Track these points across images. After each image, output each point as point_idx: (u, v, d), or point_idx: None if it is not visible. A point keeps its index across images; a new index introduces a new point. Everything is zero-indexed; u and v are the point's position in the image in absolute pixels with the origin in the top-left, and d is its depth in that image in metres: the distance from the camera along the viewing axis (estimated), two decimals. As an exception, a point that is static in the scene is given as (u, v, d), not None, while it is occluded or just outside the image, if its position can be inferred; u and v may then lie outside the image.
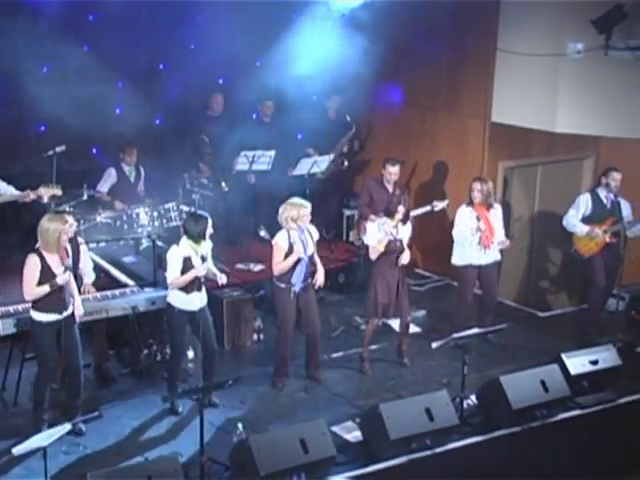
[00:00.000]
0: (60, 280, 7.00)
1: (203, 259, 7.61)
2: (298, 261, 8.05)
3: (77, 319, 7.36)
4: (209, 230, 7.64)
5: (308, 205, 8.10)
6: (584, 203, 9.42)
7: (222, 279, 7.78)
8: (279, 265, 8.07)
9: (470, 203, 9.07)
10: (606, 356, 8.41)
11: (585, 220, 9.39)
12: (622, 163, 10.68)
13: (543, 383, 7.82)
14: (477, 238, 8.99)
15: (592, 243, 9.37)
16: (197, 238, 7.59)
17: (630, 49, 8.96)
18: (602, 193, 9.40)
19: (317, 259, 8.34)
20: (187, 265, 7.58)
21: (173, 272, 7.59)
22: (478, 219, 8.98)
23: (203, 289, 7.76)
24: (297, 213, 8.01)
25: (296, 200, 8.21)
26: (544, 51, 9.47)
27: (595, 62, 9.22)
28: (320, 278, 8.31)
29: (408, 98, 11.34)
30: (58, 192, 8.75)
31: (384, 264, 8.45)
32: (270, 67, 10.77)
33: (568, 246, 9.74)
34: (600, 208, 9.38)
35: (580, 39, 9.19)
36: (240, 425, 7.11)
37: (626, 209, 9.39)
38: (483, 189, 9.00)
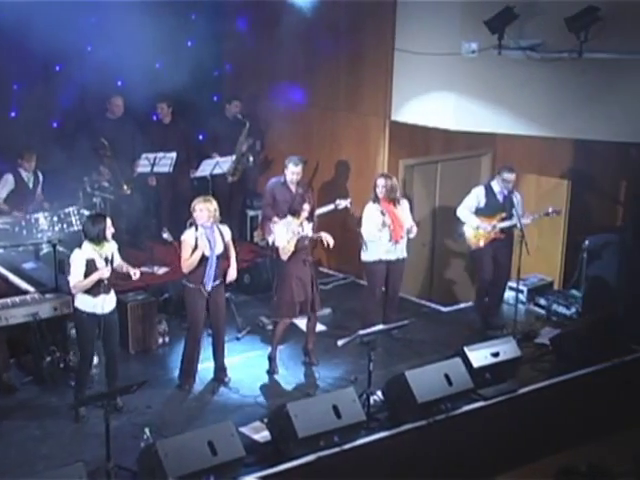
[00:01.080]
0: None
1: (107, 261, 7.52)
2: (204, 259, 8.04)
3: None
4: (109, 230, 7.55)
5: (210, 201, 8.11)
6: (478, 196, 9.65)
7: (136, 274, 7.74)
8: (186, 261, 8.06)
9: (376, 199, 9.17)
10: (507, 348, 8.61)
11: (478, 212, 9.63)
12: (517, 159, 11.03)
13: (447, 376, 7.96)
14: (387, 234, 9.11)
15: (480, 236, 9.62)
16: (97, 239, 7.49)
17: (522, 48, 9.19)
18: (496, 187, 9.64)
19: (233, 257, 8.33)
20: (91, 268, 7.47)
21: (76, 276, 7.47)
22: (383, 213, 9.08)
23: (111, 292, 7.68)
24: (194, 206, 8.05)
25: (204, 196, 8.35)
26: (440, 50, 9.64)
27: (489, 61, 9.43)
28: (232, 272, 8.32)
29: (308, 98, 11.39)
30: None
31: (295, 263, 8.49)
32: (170, 68, 10.70)
33: (458, 235, 9.99)
34: (493, 202, 9.62)
35: (474, 39, 9.39)
36: (147, 430, 7.05)
37: (517, 204, 9.60)
38: (387, 184, 9.09)
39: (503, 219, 9.56)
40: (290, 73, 11.33)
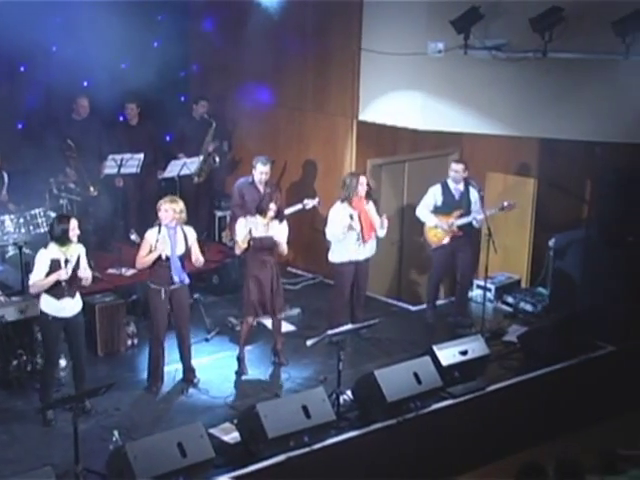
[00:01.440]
0: None
1: (66, 262, 7.45)
2: (166, 260, 8.01)
3: None
4: (74, 231, 7.48)
5: (177, 201, 8.10)
6: (435, 194, 9.74)
7: (87, 279, 7.63)
8: (141, 259, 8.07)
9: (345, 199, 9.14)
10: (475, 346, 8.67)
11: (437, 210, 9.71)
12: (484, 158, 11.11)
13: (416, 375, 7.99)
14: (352, 235, 9.11)
15: (440, 234, 9.69)
16: (61, 239, 7.43)
17: (487, 48, 9.26)
18: (452, 184, 9.72)
19: (197, 254, 8.27)
20: (55, 268, 7.43)
21: (37, 274, 7.44)
22: (352, 217, 9.08)
23: (77, 295, 7.63)
24: (160, 205, 8.05)
25: (171, 196, 8.34)
26: (407, 50, 9.67)
27: (456, 61, 9.47)
28: (199, 258, 8.26)
29: (276, 98, 11.38)
30: None
31: (255, 262, 8.50)
32: (136, 69, 10.64)
33: (419, 235, 10.08)
34: (449, 199, 9.71)
35: (441, 39, 9.44)
36: (116, 432, 7.03)
37: (475, 200, 9.70)
38: (369, 182, 9.23)
39: (460, 216, 9.64)
40: (257, 73, 11.31)
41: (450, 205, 9.67)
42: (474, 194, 9.71)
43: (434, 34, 9.56)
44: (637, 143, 9.50)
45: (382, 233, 9.30)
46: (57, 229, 7.46)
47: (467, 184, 9.73)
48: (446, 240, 9.68)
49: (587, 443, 7.82)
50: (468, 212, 9.66)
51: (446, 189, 9.71)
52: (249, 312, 8.60)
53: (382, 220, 9.20)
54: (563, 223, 11.01)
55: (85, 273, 7.60)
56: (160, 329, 8.20)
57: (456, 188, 9.71)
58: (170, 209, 8.02)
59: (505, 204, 9.74)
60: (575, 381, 8.88)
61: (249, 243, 8.42)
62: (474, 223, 9.68)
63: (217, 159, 11.26)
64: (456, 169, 9.66)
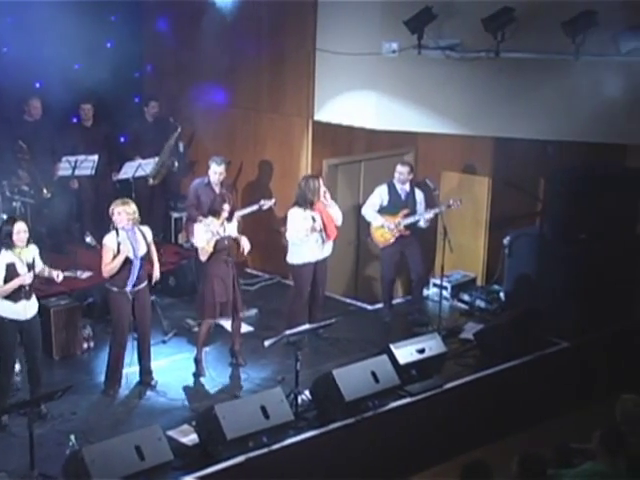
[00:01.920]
0: None
1: (29, 267, 7.39)
2: (128, 262, 7.97)
3: None
4: (19, 235, 7.40)
5: (128, 203, 8.06)
6: (381, 194, 9.82)
7: (59, 277, 7.65)
8: (108, 266, 7.98)
9: (308, 203, 9.09)
10: (432, 344, 8.73)
11: (383, 210, 9.78)
12: (439, 157, 11.20)
13: (374, 374, 8.02)
14: (315, 236, 9.12)
15: (387, 234, 9.76)
16: (7, 243, 7.36)
17: (441, 48, 9.33)
18: (398, 185, 9.80)
19: (155, 257, 8.35)
20: (11, 272, 7.36)
21: (-4, 281, 7.35)
22: (314, 219, 9.09)
23: (33, 297, 7.58)
24: (112, 209, 8.00)
25: (122, 198, 8.28)
26: (361, 50, 9.70)
27: (410, 61, 9.53)
28: (156, 273, 8.37)
29: (231, 98, 11.36)
30: None
31: (217, 263, 8.47)
32: (89, 70, 10.56)
33: (365, 235, 10.14)
34: (396, 199, 9.79)
35: (395, 39, 9.49)
36: (72, 436, 6.96)
37: (420, 201, 9.81)
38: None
39: (406, 216, 9.71)
40: (212, 73, 11.27)
41: (396, 205, 9.75)
42: (419, 194, 9.84)
43: (388, 34, 9.61)
44: (589, 142, 9.64)
45: (339, 218, 9.29)
46: (2, 232, 7.41)
47: (412, 185, 9.82)
48: (393, 240, 9.74)
49: (542, 438, 7.90)
50: (414, 212, 9.75)
51: (392, 189, 9.79)
52: (210, 314, 8.55)
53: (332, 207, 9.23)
54: (518, 221, 11.13)
55: (50, 272, 7.65)
56: (124, 332, 8.16)
57: (402, 188, 9.80)
58: (123, 211, 7.98)
59: (451, 202, 9.83)
60: (530, 377, 8.97)
61: (215, 247, 8.39)
62: (421, 223, 9.75)
63: (176, 164, 11.14)
64: (400, 171, 9.75)
